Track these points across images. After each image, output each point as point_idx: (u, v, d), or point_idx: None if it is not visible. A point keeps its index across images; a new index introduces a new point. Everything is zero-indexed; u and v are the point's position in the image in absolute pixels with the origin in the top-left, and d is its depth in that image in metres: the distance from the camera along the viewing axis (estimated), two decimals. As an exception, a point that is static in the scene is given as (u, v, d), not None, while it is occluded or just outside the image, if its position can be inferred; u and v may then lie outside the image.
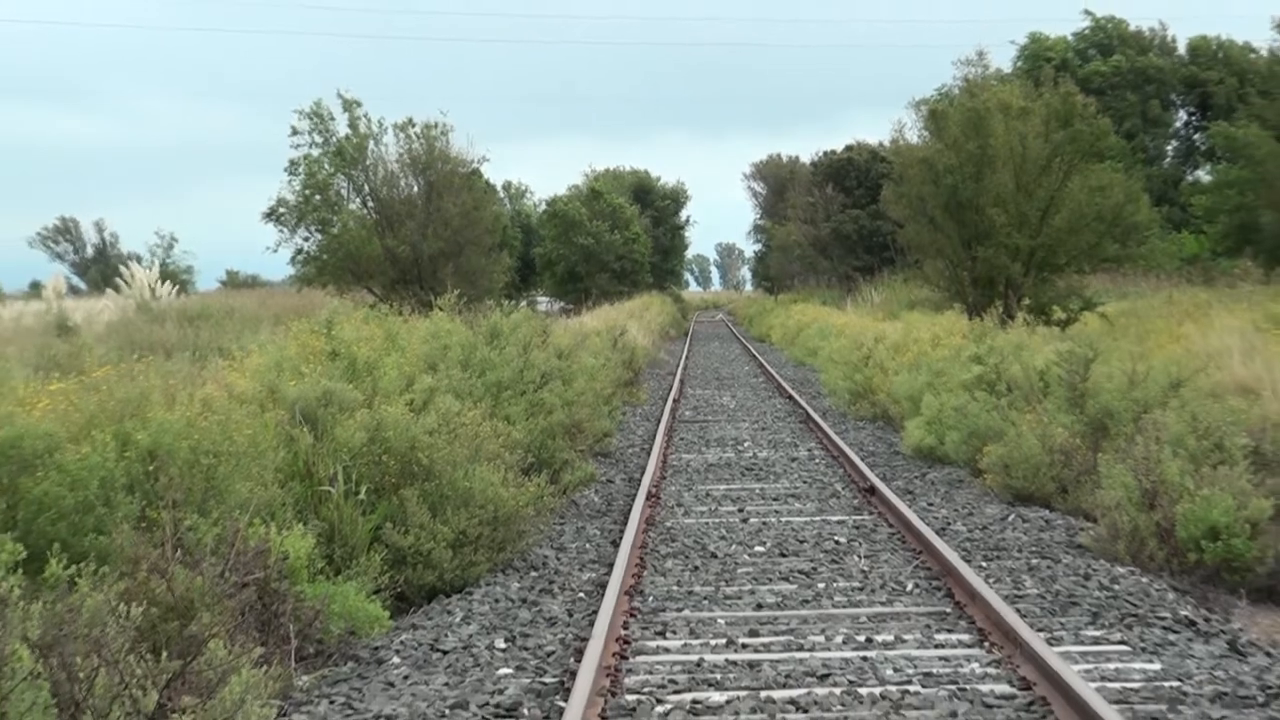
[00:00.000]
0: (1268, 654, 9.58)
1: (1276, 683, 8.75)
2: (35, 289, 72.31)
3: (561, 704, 8.48)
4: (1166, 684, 8.79)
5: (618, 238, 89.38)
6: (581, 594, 12.13)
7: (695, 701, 8.70)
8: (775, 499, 17.27)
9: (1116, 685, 8.71)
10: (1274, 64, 44.83)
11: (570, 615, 11.30)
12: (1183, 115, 70.39)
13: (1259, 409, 16.45)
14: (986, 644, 9.95)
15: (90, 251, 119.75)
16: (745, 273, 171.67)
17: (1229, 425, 13.82)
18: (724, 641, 10.24)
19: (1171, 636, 10.03)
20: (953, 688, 8.85)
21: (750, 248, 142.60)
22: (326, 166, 47.40)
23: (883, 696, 8.68)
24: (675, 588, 12.21)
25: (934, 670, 9.28)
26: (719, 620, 10.95)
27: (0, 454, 9.83)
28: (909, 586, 12.00)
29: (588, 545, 14.47)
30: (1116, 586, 11.58)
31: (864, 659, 9.60)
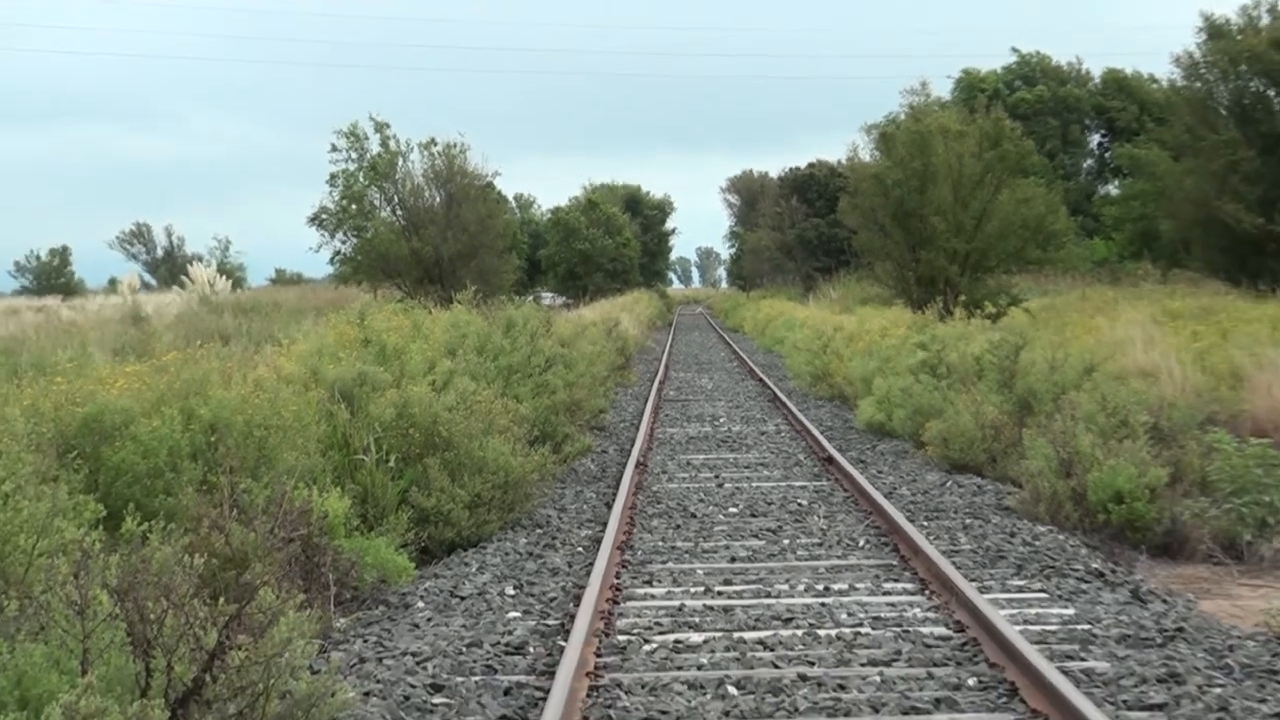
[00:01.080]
0: (1164, 601, 9.62)
1: (1172, 626, 8.79)
2: (113, 285, 72.02)
3: (562, 644, 8.49)
4: (1079, 627, 8.83)
5: (611, 242, 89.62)
6: (580, 548, 12.16)
7: (677, 641, 8.73)
8: (747, 467, 17.31)
9: (1037, 628, 8.75)
10: (1171, 94, 44.82)
11: (570, 566, 11.34)
12: (1095, 138, 70.36)
13: (1157, 390, 16.58)
14: (927, 592, 9.98)
15: (160, 252, 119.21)
16: (721, 272, 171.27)
17: (1132, 404, 13.88)
18: (702, 589, 10.27)
19: (1083, 586, 10.08)
20: (898, 630, 8.89)
21: (726, 251, 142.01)
22: (361, 180, 47.43)
23: (838, 638, 8.70)
24: (660, 543, 12.24)
25: (882, 615, 9.31)
26: (698, 571, 10.98)
27: (84, 426, 9.89)
28: (861, 543, 12.04)
29: (585, 507, 14.51)
30: (1037, 543, 11.63)
31: (822, 605, 9.62)
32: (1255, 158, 37.42)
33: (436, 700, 7.63)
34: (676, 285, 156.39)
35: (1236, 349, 20.61)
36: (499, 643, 8.81)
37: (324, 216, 47.70)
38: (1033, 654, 7.64)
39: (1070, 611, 9.27)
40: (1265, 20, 39.09)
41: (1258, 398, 17.20)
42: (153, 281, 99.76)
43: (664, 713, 7.31)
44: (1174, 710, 7.08)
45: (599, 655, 8.43)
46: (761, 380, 31.43)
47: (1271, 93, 38.60)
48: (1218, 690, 7.40)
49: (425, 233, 46.77)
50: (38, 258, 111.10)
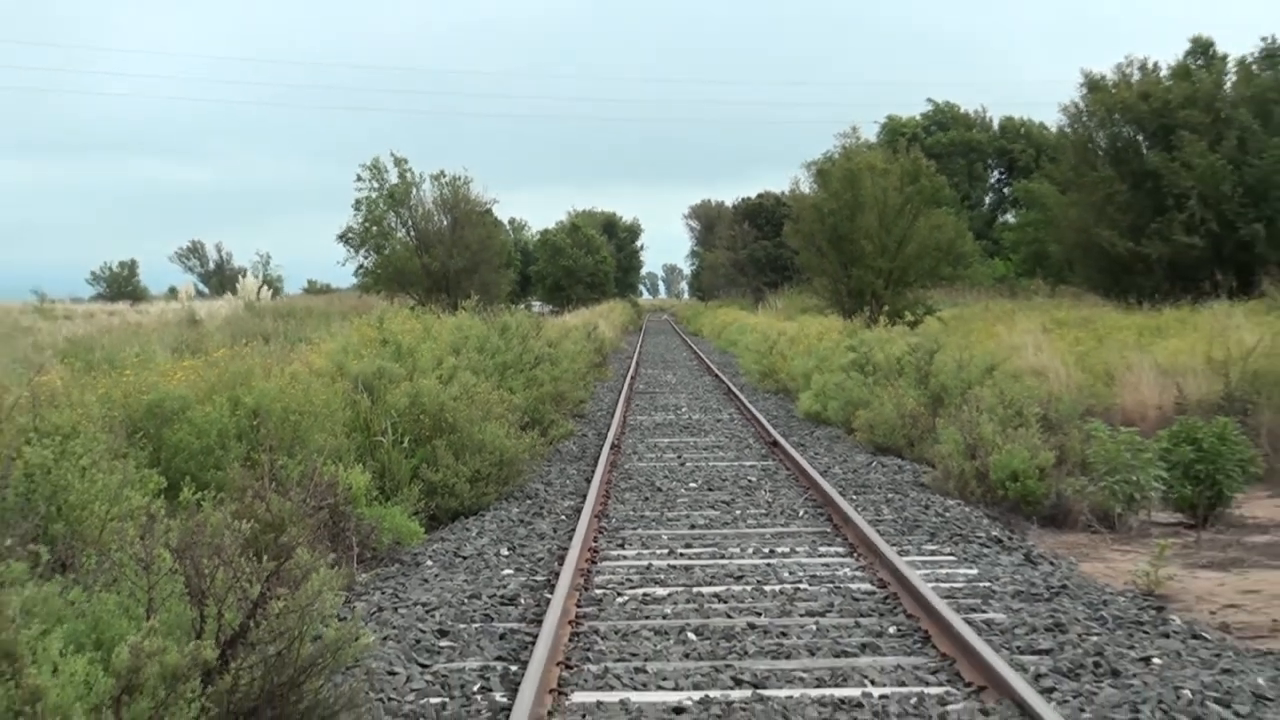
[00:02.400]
0: (1051, 563, 9.72)
1: (1057, 584, 8.89)
2: (172, 293, 71.84)
3: (549, 596, 8.52)
4: (981, 584, 8.91)
5: (590, 260, 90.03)
6: (563, 516, 12.18)
7: (645, 595, 8.78)
8: (705, 449, 17.34)
9: (946, 585, 8.82)
10: (1058, 138, 45.12)
11: (555, 532, 11.35)
12: (996, 174, 70.69)
13: (1046, 387, 16.71)
14: (855, 555, 10.05)
15: (211, 265, 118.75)
16: (684, 285, 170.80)
17: (1025, 399, 14.02)
18: (666, 551, 10.32)
19: (985, 550, 10.17)
20: (831, 586, 8.95)
21: (687, 267, 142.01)
22: (381, 205, 47.58)
23: (781, 592, 8.76)
24: (631, 513, 12.28)
25: (818, 573, 9.37)
26: (663, 536, 11.03)
27: (148, 411, 9.88)
28: (801, 513, 12.10)
29: (568, 481, 14.52)
30: (947, 514, 11.72)
31: (768, 565, 9.69)
32: (1126, 191, 37.67)
33: (443, 643, 7.65)
34: (646, 296, 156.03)
35: (1110, 353, 20.76)
36: (495, 595, 8.85)
37: (350, 235, 48.02)
38: (943, 607, 7.72)
39: (974, 572, 9.37)
40: (1136, 76, 39.41)
41: (1127, 393, 17.33)
42: (205, 290, 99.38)
43: (634, 654, 7.34)
44: (1059, 654, 7.16)
45: (579, 606, 8.48)
46: (717, 376, 31.47)
47: (1140, 137, 38.86)
48: (1094, 638, 7.49)
49: (434, 251, 47.01)
50: (110, 269, 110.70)
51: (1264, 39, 40.22)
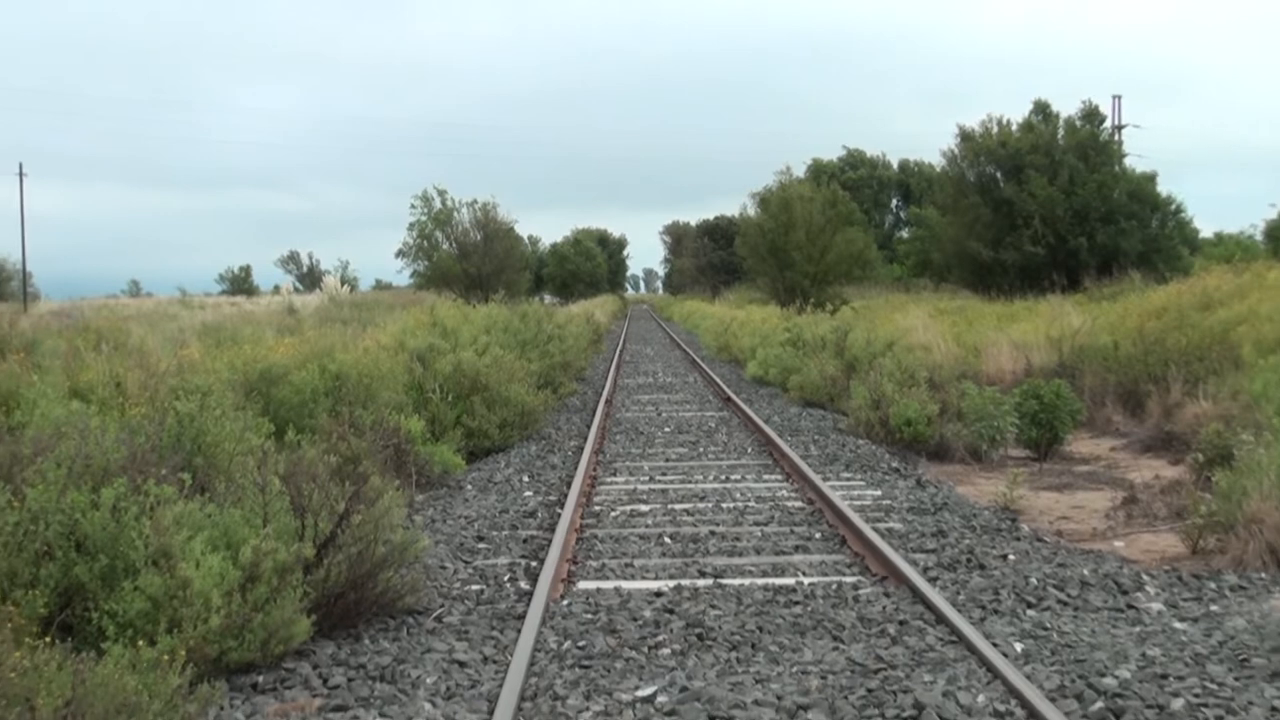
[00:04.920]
0: (935, 487, 9.71)
1: (940, 502, 8.89)
2: (275, 289, 71.36)
3: (559, 511, 8.49)
4: (884, 501, 8.91)
5: (589, 265, 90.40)
6: (570, 452, 12.11)
7: (632, 510, 8.75)
8: (676, 403, 17.29)
9: (858, 503, 8.80)
10: (940, 175, 45.10)
11: (563, 464, 11.30)
12: (895, 201, 70.55)
13: (931, 357, 16.71)
14: (790, 480, 10.03)
15: (305, 269, 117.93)
16: (659, 284, 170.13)
17: (916, 366, 14.03)
18: (648, 479, 10.29)
19: (886, 477, 10.15)
20: (772, 503, 8.95)
21: (662, 270, 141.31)
22: (430, 225, 47.58)
23: (734, 508, 8.75)
24: (621, 450, 12.22)
25: (762, 495, 9.36)
26: (645, 467, 10.99)
27: (262, 376, 9.82)
28: (749, 450, 12.07)
29: (573, 427, 14.45)
30: (858, 451, 11.69)
31: (724, 488, 9.67)
32: (989, 214, 37.84)
33: (480, 545, 7.62)
34: (631, 291, 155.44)
35: (977, 333, 20.78)
36: (519, 510, 8.81)
37: (405, 249, 48.20)
38: (856, 519, 7.71)
39: (878, 493, 9.35)
40: (995, 129, 39.57)
41: (989, 362, 17.34)
42: (300, 287, 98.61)
43: (624, 553, 7.32)
44: (941, 553, 7.16)
45: (583, 519, 8.45)
46: (685, 350, 31.42)
47: (998, 174, 38.96)
48: (966, 541, 7.50)
49: (471, 258, 47.05)
50: (231, 271, 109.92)
51: (1084, 102, 40.83)
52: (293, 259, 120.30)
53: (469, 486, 10.13)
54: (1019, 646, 5.18)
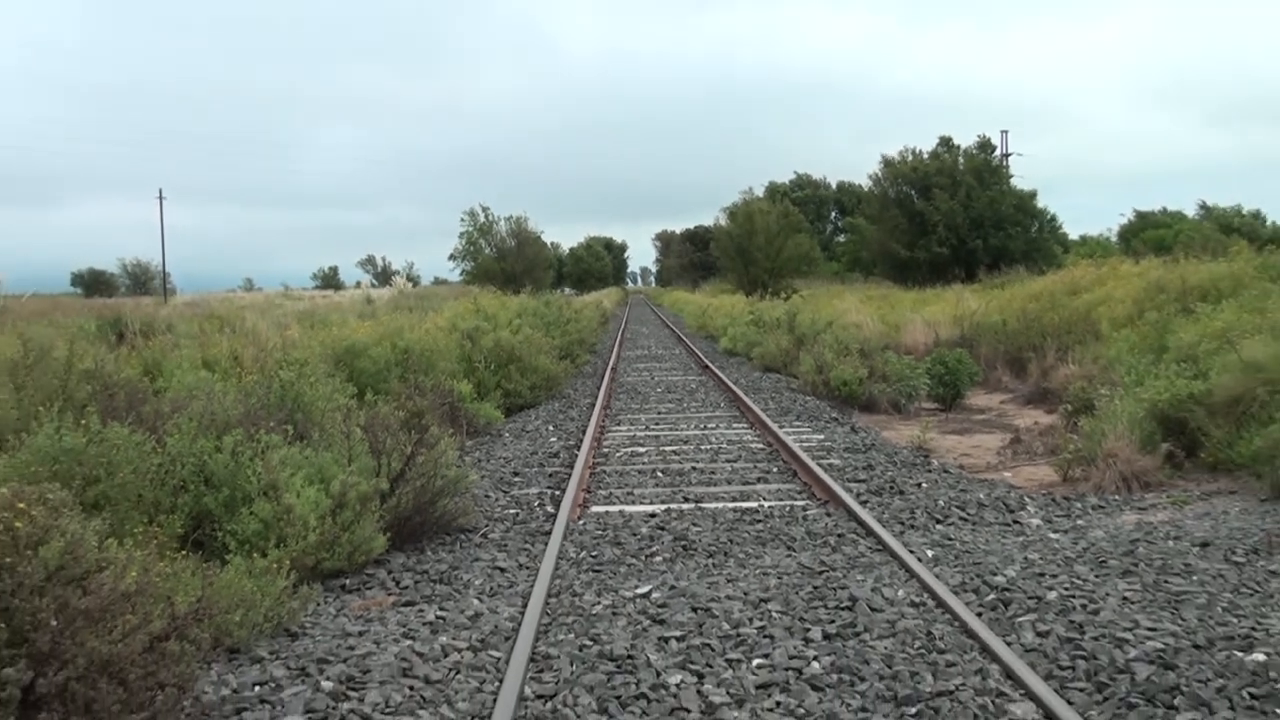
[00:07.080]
0: (865, 432, 9.66)
1: (869, 444, 8.85)
2: (356, 285, 70.97)
3: (577, 453, 8.46)
4: (825, 444, 8.85)
5: (598, 264, 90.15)
6: (584, 408, 12.01)
7: (632, 452, 8.71)
8: (666, 370, 17.16)
9: (806, 444, 8.75)
10: (868, 193, 44.85)
11: (580, 417, 11.21)
12: (834, 213, 70.12)
13: (862, 333, 16.53)
14: (753, 428, 9.97)
15: (379, 269, 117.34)
16: (652, 279, 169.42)
17: (850, 340, 13.96)
18: (644, 427, 10.23)
19: (827, 425, 10.07)
20: (739, 445, 8.89)
21: (654, 268, 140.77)
22: (475, 234, 47.44)
23: (711, 449, 8.69)
24: (624, 406, 12.14)
25: (731, 439, 9.32)
26: (641, 419, 10.93)
27: (345, 350, 9.73)
28: (721, 405, 11.99)
29: (586, 390, 14.34)
30: (806, 405, 11.60)
31: (703, 434, 9.62)
32: (905, 223, 37.84)
33: (515, 479, 7.59)
34: (630, 285, 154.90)
35: (897, 314, 20.68)
36: (546, 452, 8.78)
37: (456, 253, 48.21)
38: (805, 456, 7.70)
39: (821, 437, 9.31)
40: (910, 157, 39.47)
41: (906, 336, 17.24)
42: (375, 283, 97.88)
43: (626, 485, 7.29)
44: (870, 482, 7.14)
45: (594, 459, 8.41)
46: (672, 329, 31.24)
47: (913, 192, 38.84)
48: (890, 473, 7.48)
49: (507, 260, 46.95)
50: (323, 270, 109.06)
51: (979, 136, 40.72)
52: (369, 261, 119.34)
53: (507, 434, 10.09)
54: (930, 553, 5.18)
